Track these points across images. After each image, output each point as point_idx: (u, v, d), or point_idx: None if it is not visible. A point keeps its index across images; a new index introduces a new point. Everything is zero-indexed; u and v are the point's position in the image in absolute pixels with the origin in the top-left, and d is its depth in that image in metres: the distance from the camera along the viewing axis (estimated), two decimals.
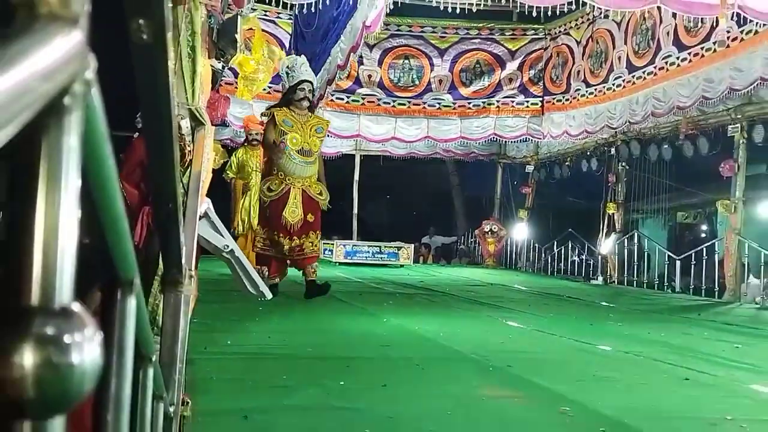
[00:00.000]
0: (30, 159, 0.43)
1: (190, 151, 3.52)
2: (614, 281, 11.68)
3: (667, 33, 9.47)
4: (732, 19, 5.44)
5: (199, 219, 3.23)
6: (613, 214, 12.24)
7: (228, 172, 8.95)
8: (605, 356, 4.80)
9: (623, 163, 12.20)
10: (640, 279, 11.44)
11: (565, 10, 8.85)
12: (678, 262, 10.87)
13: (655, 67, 9.92)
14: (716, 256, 9.92)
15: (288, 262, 6.95)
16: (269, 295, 3.55)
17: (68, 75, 0.45)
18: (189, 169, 3.37)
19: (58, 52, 0.44)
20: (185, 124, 3.55)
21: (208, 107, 3.87)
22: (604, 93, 11.19)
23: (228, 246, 3.22)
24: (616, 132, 11.36)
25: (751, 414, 3.28)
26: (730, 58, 8.23)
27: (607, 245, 12.06)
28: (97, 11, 0.53)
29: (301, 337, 4.73)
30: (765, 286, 9.68)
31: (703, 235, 12.73)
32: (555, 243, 13.28)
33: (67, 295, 0.41)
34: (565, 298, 8.84)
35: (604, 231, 12.29)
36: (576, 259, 12.91)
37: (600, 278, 11.90)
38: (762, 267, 9.90)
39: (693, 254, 10.40)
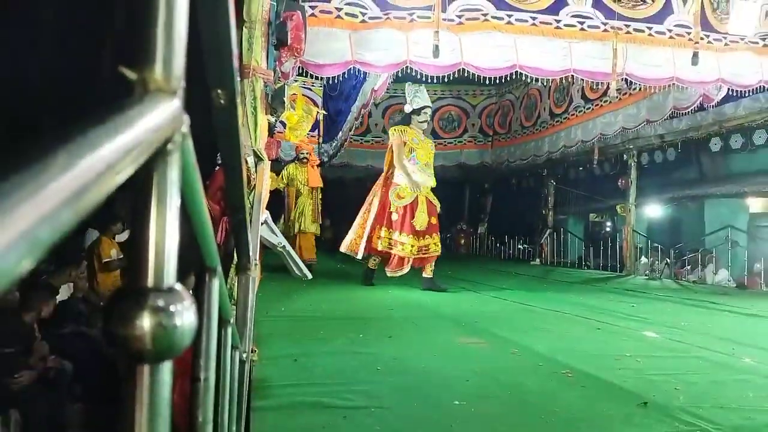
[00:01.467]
0: (145, 187, 0.43)
1: (254, 179, 3.52)
2: (547, 262, 11.61)
3: (577, 90, 9.42)
4: (622, 80, 5.42)
5: (261, 225, 3.23)
6: (546, 214, 12.20)
7: (279, 183, 7.84)
8: (542, 314, 4.78)
9: (552, 180, 12.18)
10: (565, 260, 11.37)
11: (509, 78, 8.81)
12: (591, 248, 10.88)
13: (569, 114, 9.87)
14: (617, 243, 9.87)
15: (407, 259, 5.74)
16: (309, 276, 3.56)
17: (170, 130, 0.45)
18: (253, 191, 3.37)
19: (163, 115, 0.44)
20: (251, 160, 3.56)
21: (266, 148, 3.88)
22: (534, 132, 11.17)
23: (281, 243, 3.22)
24: (545, 159, 11.30)
25: (642, 352, 3.26)
26: (621, 107, 8.20)
27: (542, 237, 12.01)
28: (190, 84, 0.53)
29: (332, 305, 4.72)
30: (650, 264, 9.65)
31: (608, 229, 12.64)
32: (506, 236, 13.20)
33: (172, 278, 0.41)
34: (513, 274, 8.80)
35: (540, 227, 12.25)
36: (520, 247, 12.84)
37: (537, 260, 11.83)
38: (649, 250, 9.91)
39: (601, 242, 10.39)
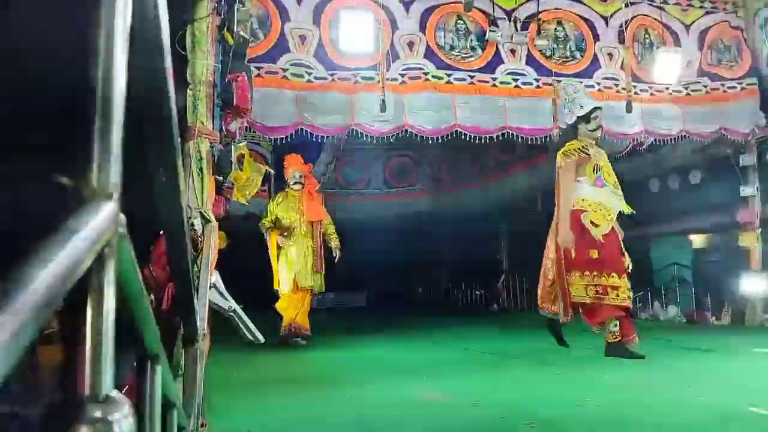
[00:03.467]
0: (81, 295, 0.45)
1: (201, 241, 3.48)
2: (505, 307, 11.76)
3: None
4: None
5: (210, 288, 3.17)
6: (501, 259, 12.47)
7: (264, 221, 6.00)
8: (500, 361, 4.80)
9: (504, 225, 12.53)
10: (523, 304, 11.55)
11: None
12: None
13: (514, 161, 10.19)
14: None
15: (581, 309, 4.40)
16: (262, 339, 3.46)
17: (106, 236, 0.47)
18: (201, 254, 3.33)
19: (99, 221, 0.46)
20: (197, 222, 3.52)
21: (213, 206, 3.86)
22: (480, 180, 11.45)
23: (231, 307, 3.18)
24: (495, 206, 11.57)
25: (603, 397, 3.31)
26: None
27: (498, 281, 12.21)
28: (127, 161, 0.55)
29: (299, 365, 4.61)
30: None
31: None
32: (462, 283, 13.34)
33: (108, 385, 0.42)
34: (470, 321, 8.84)
35: (498, 272, 12.47)
36: (477, 293, 12.99)
37: (495, 306, 11.97)
38: None
39: None
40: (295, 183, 6.00)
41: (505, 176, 10.54)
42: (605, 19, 5.91)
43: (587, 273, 4.36)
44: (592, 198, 4.40)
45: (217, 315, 3.24)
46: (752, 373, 3.91)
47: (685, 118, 5.98)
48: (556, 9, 5.78)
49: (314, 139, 5.20)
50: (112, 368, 0.43)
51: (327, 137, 5.46)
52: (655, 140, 6.14)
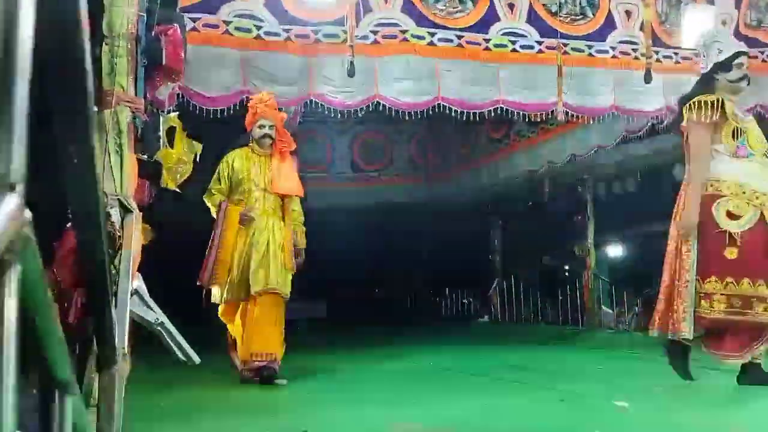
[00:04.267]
0: None
1: (120, 236, 3.45)
2: (497, 318, 11.93)
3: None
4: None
5: (131, 296, 3.14)
6: (493, 261, 12.63)
7: (213, 191, 4.96)
8: (493, 384, 4.89)
9: (498, 220, 12.69)
10: (518, 314, 11.74)
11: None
12: (547, 299, 11.33)
13: (510, 139, 10.30)
14: (577, 291, 10.34)
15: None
16: (197, 360, 3.39)
17: (7, 236, 0.48)
18: (120, 252, 3.30)
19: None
20: (115, 212, 3.48)
21: (135, 193, 3.81)
22: (470, 162, 11.54)
23: (158, 319, 3.14)
24: (488, 194, 11.71)
25: (612, 428, 3.40)
26: (569, 131, 8.61)
27: (490, 288, 12.37)
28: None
29: (240, 393, 4.60)
30: (616, 314, 10.18)
31: (566, 274, 13.21)
32: (446, 289, 13.47)
33: (10, 427, 0.43)
34: (454, 335, 8.96)
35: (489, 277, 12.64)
36: (465, 301, 13.16)
37: (485, 317, 12.13)
38: (613, 298, 10.45)
39: (559, 291, 10.85)
40: (264, 137, 4.85)
41: (499, 160, 10.66)
42: None
43: (723, 279, 3.86)
44: (731, 176, 3.87)
45: (140, 329, 3.22)
46: None
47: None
48: None
49: None
50: (15, 404, 0.44)
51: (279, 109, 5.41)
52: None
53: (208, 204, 4.94)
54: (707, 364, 4.59)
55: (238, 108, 5.02)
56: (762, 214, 3.81)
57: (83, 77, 0.81)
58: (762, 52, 6.31)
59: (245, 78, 4.86)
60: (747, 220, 3.81)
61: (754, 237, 3.81)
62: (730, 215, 3.83)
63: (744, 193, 3.84)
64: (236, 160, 4.95)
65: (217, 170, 4.98)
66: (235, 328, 4.92)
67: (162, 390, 4.50)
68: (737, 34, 6.27)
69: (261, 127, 4.93)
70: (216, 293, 4.89)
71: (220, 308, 4.96)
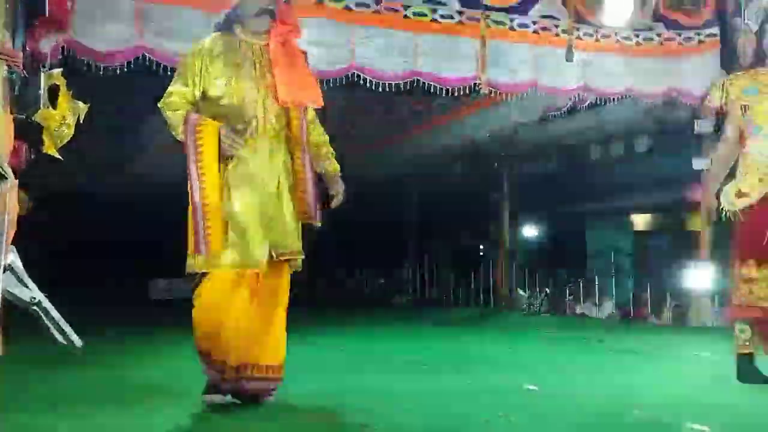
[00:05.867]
0: None
1: None
2: (412, 300, 12.12)
3: None
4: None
5: (4, 273, 2.97)
6: (408, 240, 12.80)
7: (173, 95, 3.23)
8: (400, 366, 4.95)
9: (415, 197, 12.83)
10: (433, 295, 11.99)
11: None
12: (461, 280, 11.62)
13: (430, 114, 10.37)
14: (492, 272, 10.66)
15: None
16: (79, 343, 3.17)
17: None
18: None
19: None
20: None
21: (12, 156, 3.58)
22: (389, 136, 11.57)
23: (35, 298, 2.96)
24: (404, 170, 11.79)
25: (518, 409, 3.50)
26: (490, 106, 8.70)
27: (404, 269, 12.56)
28: None
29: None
30: (528, 296, 10.57)
31: (481, 254, 13.56)
32: (360, 270, 13.56)
33: None
34: (365, 317, 9.03)
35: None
36: (381, 281, 13.32)
37: (401, 298, 12.29)
38: (526, 279, 10.83)
39: (473, 272, 11.16)
40: (262, 12, 3.25)
41: (419, 135, 10.71)
42: None
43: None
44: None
45: (14, 309, 3.04)
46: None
47: (632, 73, 6.37)
48: None
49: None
50: None
51: None
52: (596, 99, 6.50)
53: (167, 116, 3.21)
54: None
55: (133, 66, 4.76)
56: None
57: None
58: (679, 35, 6.58)
59: (142, 31, 4.62)
60: (752, 198, 3.75)
61: (753, 217, 3.74)
62: (740, 195, 3.78)
63: (754, 171, 3.77)
64: (215, 49, 3.24)
65: (180, 66, 3.33)
66: (214, 315, 3.16)
67: (38, 376, 4.29)
68: (657, 15, 6.52)
69: (254, 1, 3.25)
70: (208, 262, 3.12)
71: (207, 282, 3.16)
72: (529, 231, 12.56)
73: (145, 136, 8.72)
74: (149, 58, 4.78)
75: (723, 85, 3.98)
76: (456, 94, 5.98)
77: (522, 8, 5.96)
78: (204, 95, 3.24)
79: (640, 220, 11.27)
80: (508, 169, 10.55)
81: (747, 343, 3.76)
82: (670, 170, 8.38)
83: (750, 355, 3.75)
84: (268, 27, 3.30)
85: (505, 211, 10.44)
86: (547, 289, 10.38)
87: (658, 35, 6.50)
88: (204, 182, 3.12)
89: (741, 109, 3.82)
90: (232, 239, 3.13)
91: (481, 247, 13.57)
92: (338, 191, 3.55)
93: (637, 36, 6.44)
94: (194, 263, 3.16)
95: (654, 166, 9.42)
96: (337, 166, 3.58)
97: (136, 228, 13.35)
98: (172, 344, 5.89)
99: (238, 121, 3.22)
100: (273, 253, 3.20)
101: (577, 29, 6.09)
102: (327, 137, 3.60)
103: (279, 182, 3.28)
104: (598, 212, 11.03)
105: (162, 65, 4.81)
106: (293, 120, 3.37)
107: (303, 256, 3.35)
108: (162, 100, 3.24)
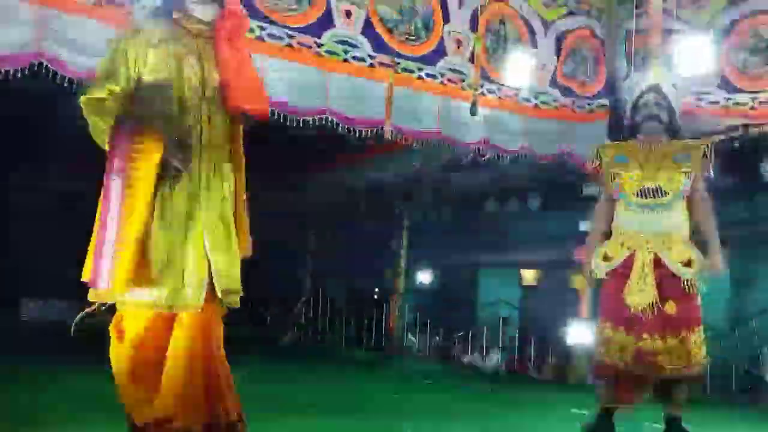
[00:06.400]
0: None
1: None
2: (301, 340, 11.98)
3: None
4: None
5: None
6: (303, 278, 12.73)
7: (101, 95, 2.56)
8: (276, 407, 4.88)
9: (313, 235, 12.79)
10: (324, 336, 11.89)
11: None
12: (353, 322, 11.64)
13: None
14: (384, 315, 10.73)
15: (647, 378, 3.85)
16: None
17: None
18: None
19: None
20: None
21: None
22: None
23: None
24: (304, 208, 11.77)
25: None
26: (394, 151, 8.90)
27: (296, 307, 12.43)
28: None
29: None
30: (418, 343, 10.71)
31: (376, 298, 13.62)
32: (251, 304, 13.26)
33: None
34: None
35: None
36: (267, 318, 13.07)
37: (289, 336, 12.11)
38: (417, 326, 10.99)
39: (365, 315, 11.21)
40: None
41: (324, 171, 10.73)
42: None
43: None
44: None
45: None
46: None
47: (529, 133, 6.74)
48: None
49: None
50: None
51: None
52: (496, 154, 6.80)
53: (93, 122, 2.58)
54: None
55: (27, 73, 4.54)
56: (636, 253, 3.86)
57: None
58: (573, 102, 7.05)
59: (40, 39, 4.43)
60: (616, 261, 3.89)
61: (615, 280, 3.89)
62: (605, 257, 3.96)
63: (619, 236, 3.96)
64: (153, 38, 2.66)
65: (105, 60, 2.67)
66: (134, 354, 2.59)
67: None
68: (554, 81, 6.95)
69: None
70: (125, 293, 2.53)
71: (123, 319, 2.61)
72: (424, 277, 12.80)
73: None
74: (45, 66, 4.59)
75: (597, 151, 4.22)
76: (362, 135, 6.09)
77: (431, 59, 6.20)
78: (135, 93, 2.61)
79: (529, 275, 11.71)
80: (408, 214, 10.75)
81: (606, 400, 3.90)
82: (558, 229, 8.79)
83: (608, 412, 3.87)
84: (214, 17, 2.75)
85: (401, 257, 10.59)
86: (437, 337, 10.55)
87: (555, 100, 6.93)
88: (128, 209, 2.49)
89: (611, 176, 4.06)
90: (157, 272, 2.53)
91: (376, 290, 13.67)
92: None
93: (536, 98, 6.84)
94: (105, 292, 2.53)
95: (545, 224, 9.87)
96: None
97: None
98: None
99: (175, 129, 2.59)
100: (227, 286, 2.63)
101: (482, 85, 6.38)
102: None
103: (222, 209, 2.69)
104: (490, 264, 11.38)
105: (57, 75, 4.63)
106: (236, 132, 2.82)
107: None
108: (85, 96, 2.59)
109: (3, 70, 4.45)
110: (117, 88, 2.57)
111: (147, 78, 2.59)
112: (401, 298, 10.50)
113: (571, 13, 7.09)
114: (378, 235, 11.45)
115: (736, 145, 6.76)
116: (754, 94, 6.52)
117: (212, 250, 2.61)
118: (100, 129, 2.56)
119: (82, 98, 2.58)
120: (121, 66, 2.59)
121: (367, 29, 5.80)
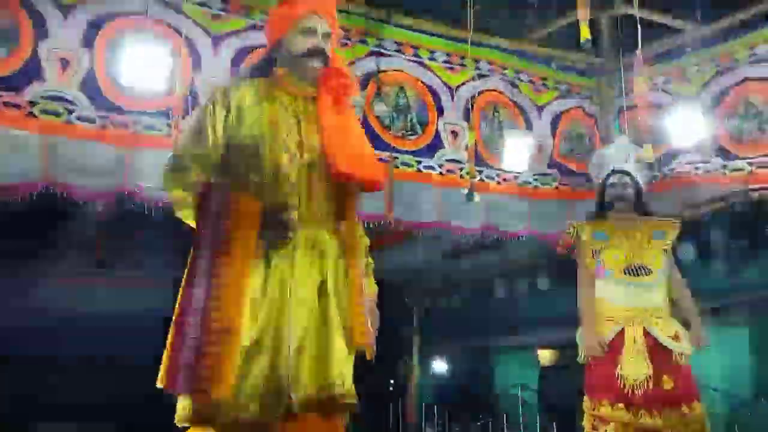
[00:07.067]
0: None
1: None
2: None
3: None
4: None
5: None
6: None
7: (185, 163, 2.27)
8: None
9: None
10: None
11: None
12: (365, 413, 11.45)
13: None
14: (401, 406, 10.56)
15: None
16: None
17: None
18: None
19: None
20: None
21: None
22: None
23: None
24: None
25: None
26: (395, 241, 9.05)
27: None
28: None
29: None
30: None
31: (391, 389, 13.44)
32: None
33: None
34: None
35: None
36: None
37: None
38: (435, 415, 10.78)
39: (383, 406, 11.05)
40: (313, 53, 2.40)
41: None
42: (451, 90, 6.63)
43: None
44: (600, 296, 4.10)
45: None
46: None
47: (531, 214, 6.83)
48: (397, 71, 6.35)
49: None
50: None
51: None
52: (498, 237, 6.87)
53: (175, 195, 2.30)
54: None
55: (36, 200, 4.68)
56: (624, 330, 3.88)
57: None
58: (572, 180, 7.16)
59: (48, 168, 4.61)
60: (607, 337, 3.92)
61: (609, 355, 3.90)
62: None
63: (606, 311, 4.02)
64: (245, 100, 2.35)
65: (192, 123, 2.43)
66: None
67: None
68: (551, 162, 7.10)
69: (308, 32, 2.39)
70: (196, 407, 2.08)
71: None
72: (439, 366, 12.63)
73: None
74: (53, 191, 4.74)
75: (575, 229, 4.28)
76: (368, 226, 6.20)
77: (429, 152, 6.38)
78: (226, 162, 2.28)
79: (546, 355, 11.57)
80: (418, 303, 10.76)
81: None
82: (570, 305, 8.75)
83: None
84: (317, 74, 2.41)
85: (414, 346, 10.52)
86: (457, 429, 10.34)
87: (554, 180, 7.07)
88: (224, 296, 2.06)
89: (592, 252, 4.13)
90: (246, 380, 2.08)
91: (391, 382, 13.49)
92: (373, 324, 2.49)
93: (536, 180, 6.97)
94: (186, 413, 2.09)
95: (556, 303, 9.84)
96: (376, 288, 2.60)
97: None
98: None
99: (269, 201, 2.20)
100: (323, 392, 2.25)
101: (480, 171, 6.53)
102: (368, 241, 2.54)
103: (322, 294, 2.26)
104: (506, 349, 11.26)
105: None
106: (349, 204, 2.39)
107: (355, 397, 2.38)
108: (168, 166, 2.31)
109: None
110: (204, 154, 2.27)
111: (238, 142, 2.28)
112: (417, 389, 10.36)
113: (561, 96, 7.32)
114: (388, 327, 11.38)
115: (738, 210, 6.86)
116: (751, 159, 6.66)
117: (323, 342, 2.25)
118: (181, 200, 2.26)
119: (165, 169, 2.32)
120: (208, 129, 2.28)
121: (366, 129, 5.99)
